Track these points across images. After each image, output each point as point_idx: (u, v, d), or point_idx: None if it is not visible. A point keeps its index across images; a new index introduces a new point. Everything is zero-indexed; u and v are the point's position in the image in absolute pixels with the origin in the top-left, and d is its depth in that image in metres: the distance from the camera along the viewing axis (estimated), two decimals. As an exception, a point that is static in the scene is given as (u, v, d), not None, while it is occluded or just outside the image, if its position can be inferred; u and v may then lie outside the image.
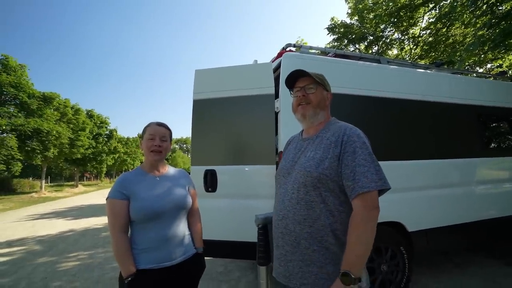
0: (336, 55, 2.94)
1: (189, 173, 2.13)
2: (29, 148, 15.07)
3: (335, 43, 10.05)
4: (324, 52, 3.07)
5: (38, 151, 15.58)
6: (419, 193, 2.58)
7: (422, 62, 8.55)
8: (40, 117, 16.11)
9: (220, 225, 2.31)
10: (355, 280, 0.90)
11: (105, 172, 32.65)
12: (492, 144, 3.31)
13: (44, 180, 18.92)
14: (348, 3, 9.71)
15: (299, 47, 2.72)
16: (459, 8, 5.81)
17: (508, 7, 4.86)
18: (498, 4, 5.03)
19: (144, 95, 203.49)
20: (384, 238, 2.41)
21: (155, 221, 1.27)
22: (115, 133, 28.44)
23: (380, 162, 2.49)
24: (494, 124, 3.45)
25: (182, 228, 1.38)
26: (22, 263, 4.09)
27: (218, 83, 2.50)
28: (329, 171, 1.02)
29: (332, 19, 10.00)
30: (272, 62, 2.75)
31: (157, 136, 1.36)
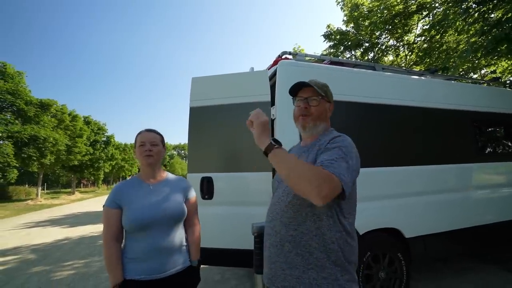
0: (331, 63, 2.98)
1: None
2: (25, 155, 14.96)
3: (332, 50, 10.18)
4: (319, 59, 3.11)
5: (35, 158, 15.47)
6: (416, 199, 2.59)
7: (418, 68, 8.67)
8: (37, 124, 16.06)
9: (217, 232, 2.30)
10: (270, 146, 0.98)
11: (102, 179, 32.40)
12: (488, 149, 3.34)
13: (40, 187, 18.72)
14: (344, 10, 9.86)
15: (294, 54, 2.75)
16: (451, 16, 5.92)
17: (499, 15, 4.96)
18: (489, 12, 5.14)
19: (143, 101, 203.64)
20: (382, 245, 2.41)
21: (145, 231, 1.25)
22: (112, 140, 28.35)
23: (377, 168, 2.52)
24: (489, 129, 3.49)
25: (176, 238, 1.34)
26: (15, 273, 4.01)
27: (215, 90, 2.51)
28: None
29: (328, 26, 10.15)
30: (268, 69, 2.78)
31: (147, 142, 1.36)
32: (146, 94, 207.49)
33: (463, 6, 5.35)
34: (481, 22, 5.31)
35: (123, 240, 1.32)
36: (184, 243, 1.40)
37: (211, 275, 3.45)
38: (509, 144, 3.48)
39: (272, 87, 2.42)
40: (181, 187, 1.45)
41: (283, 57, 2.71)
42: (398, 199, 2.50)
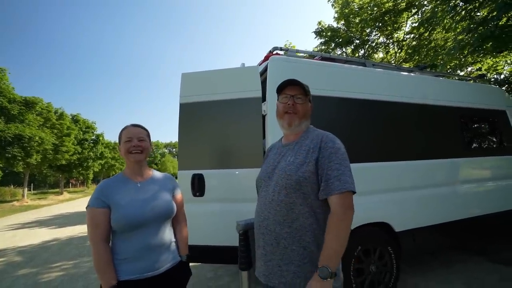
0: (322, 58, 2.98)
1: (176, 178, 2.10)
2: (9, 155, 14.46)
3: (323, 47, 10.23)
4: (310, 55, 3.10)
5: (20, 158, 14.97)
6: (406, 194, 2.63)
7: (407, 65, 8.80)
8: (21, 123, 15.52)
9: (208, 230, 2.28)
10: (332, 274, 0.96)
11: (92, 178, 31.78)
12: (474, 144, 3.42)
13: (26, 188, 18.16)
14: (335, 7, 9.91)
15: (286, 50, 2.74)
16: (439, 14, 6.03)
17: (485, 13, 5.08)
18: (475, 10, 5.25)
19: (133, 99, 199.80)
20: (372, 239, 2.44)
21: (136, 229, 1.22)
22: (101, 138, 27.77)
23: (367, 164, 2.55)
24: (475, 125, 3.57)
25: (166, 235, 1.33)
26: (0, 276, 3.88)
27: (205, 86, 2.47)
28: (308, 174, 1.08)
29: (319, 23, 10.18)
30: (259, 65, 2.75)
31: (134, 138, 1.32)
32: (137, 92, 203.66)
33: (450, 4, 5.46)
34: (467, 20, 5.43)
35: (111, 240, 1.27)
36: (173, 240, 1.40)
37: (203, 273, 3.43)
38: (494, 139, 3.59)
39: (263, 83, 2.40)
40: (168, 185, 1.43)
41: (274, 52, 2.70)
42: (388, 193, 2.53)
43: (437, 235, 2.79)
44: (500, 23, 4.51)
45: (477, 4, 5.11)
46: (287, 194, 1.08)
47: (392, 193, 2.55)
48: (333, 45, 10.01)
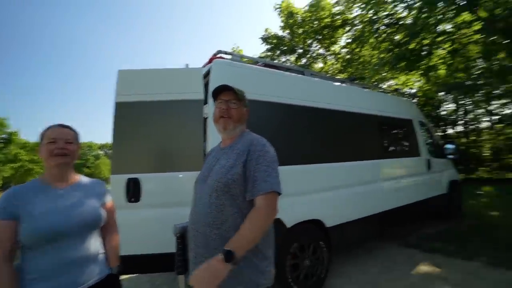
0: (265, 65, 3.12)
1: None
2: None
3: (269, 53, 10.69)
4: (255, 61, 3.22)
5: None
6: (335, 192, 2.94)
7: (341, 76, 9.85)
8: None
9: (144, 237, 2.14)
10: (234, 260, 0.94)
11: (1, 185, 26.39)
12: (390, 148, 4.05)
13: None
14: (281, 16, 10.47)
15: (230, 54, 2.78)
16: (366, 34, 6.96)
17: (401, 37, 6.06)
18: (394, 33, 6.23)
19: (62, 95, 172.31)
20: (307, 236, 2.65)
21: (54, 242, 1.08)
22: (15, 137, 23.37)
23: (300, 166, 2.75)
24: (391, 131, 4.23)
25: (92, 247, 1.20)
26: None
27: (144, 85, 2.33)
28: (236, 177, 1.11)
29: (266, 30, 10.62)
30: (203, 67, 2.73)
31: (60, 139, 1.17)
32: (68, 86, 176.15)
33: (375, 26, 6.35)
34: (388, 42, 6.39)
35: (19, 258, 1.09)
36: (101, 251, 1.27)
37: (139, 284, 3.18)
38: (406, 143, 4.30)
39: (206, 86, 2.39)
40: (97, 191, 1.30)
41: (218, 56, 2.71)
42: (320, 193, 2.79)
43: (361, 227, 3.20)
44: (410, 47, 5.44)
45: (395, 29, 6.07)
46: (217, 196, 1.11)
47: (323, 192, 2.82)
48: (278, 52, 10.55)
